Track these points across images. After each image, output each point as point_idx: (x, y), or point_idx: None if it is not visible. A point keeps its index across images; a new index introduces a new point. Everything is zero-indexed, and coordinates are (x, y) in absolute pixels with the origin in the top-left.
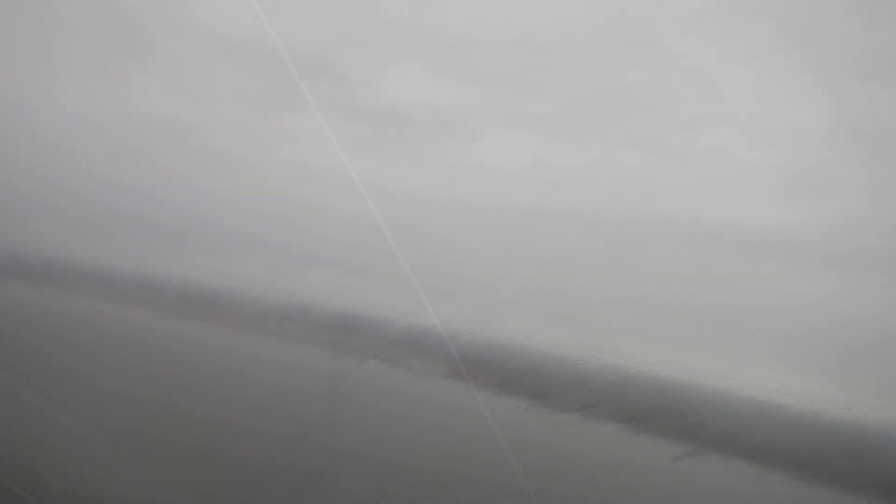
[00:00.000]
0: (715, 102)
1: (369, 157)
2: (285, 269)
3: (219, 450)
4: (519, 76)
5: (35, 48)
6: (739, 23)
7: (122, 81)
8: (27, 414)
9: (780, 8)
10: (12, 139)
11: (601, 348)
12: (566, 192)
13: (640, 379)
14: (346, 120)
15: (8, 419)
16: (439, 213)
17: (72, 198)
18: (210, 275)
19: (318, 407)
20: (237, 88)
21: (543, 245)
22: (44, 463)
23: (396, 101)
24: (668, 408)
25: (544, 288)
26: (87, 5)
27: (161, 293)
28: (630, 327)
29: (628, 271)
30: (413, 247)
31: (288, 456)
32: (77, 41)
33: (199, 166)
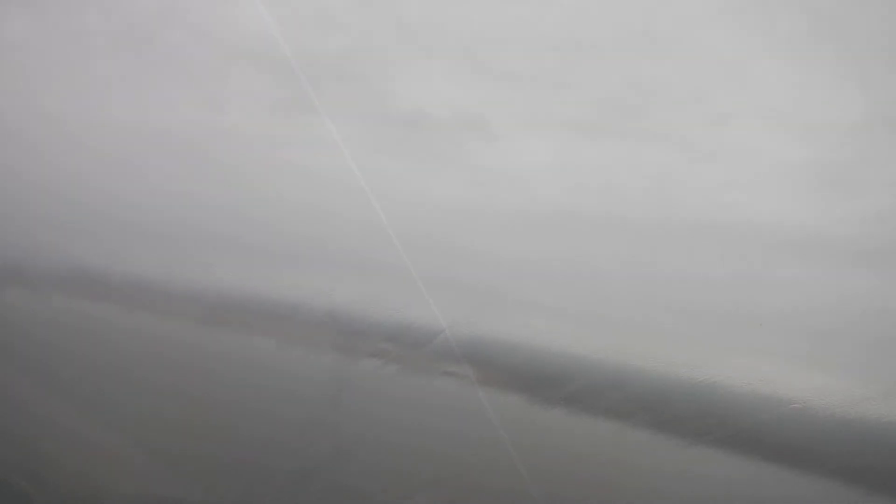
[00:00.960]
0: (745, 97)
1: (392, 162)
2: (312, 276)
3: (223, 446)
4: (543, 76)
5: (60, 60)
6: (769, 14)
7: (147, 91)
8: (30, 410)
9: None
10: (41, 148)
11: (635, 353)
12: (594, 194)
13: (674, 383)
14: (368, 125)
15: (11, 415)
16: (465, 218)
17: (102, 205)
18: (237, 282)
19: (345, 414)
20: (261, 95)
21: (572, 248)
22: (47, 459)
23: (419, 105)
24: (705, 412)
25: (574, 292)
26: (110, 17)
27: (190, 301)
28: (663, 330)
29: (660, 273)
30: (439, 252)
31: (292, 453)
32: (101, 52)
33: (224, 174)
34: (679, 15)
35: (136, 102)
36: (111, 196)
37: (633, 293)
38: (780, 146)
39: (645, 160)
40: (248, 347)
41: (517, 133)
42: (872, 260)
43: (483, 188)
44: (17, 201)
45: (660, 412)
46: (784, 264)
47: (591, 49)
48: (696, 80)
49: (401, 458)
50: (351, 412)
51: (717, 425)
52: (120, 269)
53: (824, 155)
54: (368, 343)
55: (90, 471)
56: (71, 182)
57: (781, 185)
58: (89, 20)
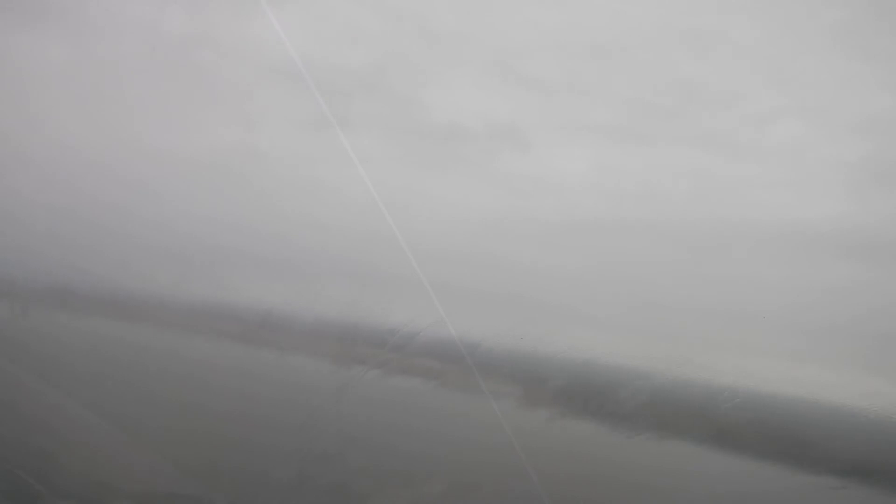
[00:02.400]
0: (787, 94)
1: (425, 175)
2: (347, 293)
3: (229, 444)
4: (575, 81)
5: (95, 84)
6: (810, 6)
7: (176, 112)
8: (41, 412)
9: None
10: (79, 174)
11: (681, 362)
12: (633, 199)
13: (724, 393)
14: (399, 138)
15: (22, 416)
16: (502, 229)
17: (146, 229)
18: (271, 301)
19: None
20: (291, 112)
21: (614, 256)
22: (56, 459)
23: (450, 116)
24: (762, 424)
25: (616, 300)
26: (138, 38)
27: (229, 320)
28: (709, 337)
29: (706, 278)
30: (477, 265)
31: (300, 459)
32: (130, 74)
33: (255, 192)
34: (714, 11)
35: (165, 123)
36: (141, 218)
37: (676, 299)
38: (825, 143)
39: (684, 163)
40: (283, 366)
41: (551, 140)
42: None
43: (519, 198)
44: (51, 226)
45: (709, 424)
46: (835, 267)
47: (624, 52)
48: (735, 79)
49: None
50: (406, 432)
51: (777, 438)
52: (152, 290)
53: (872, 151)
54: (407, 359)
55: (98, 471)
56: (100, 205)
57: (829, 184)
58: (118, 42)
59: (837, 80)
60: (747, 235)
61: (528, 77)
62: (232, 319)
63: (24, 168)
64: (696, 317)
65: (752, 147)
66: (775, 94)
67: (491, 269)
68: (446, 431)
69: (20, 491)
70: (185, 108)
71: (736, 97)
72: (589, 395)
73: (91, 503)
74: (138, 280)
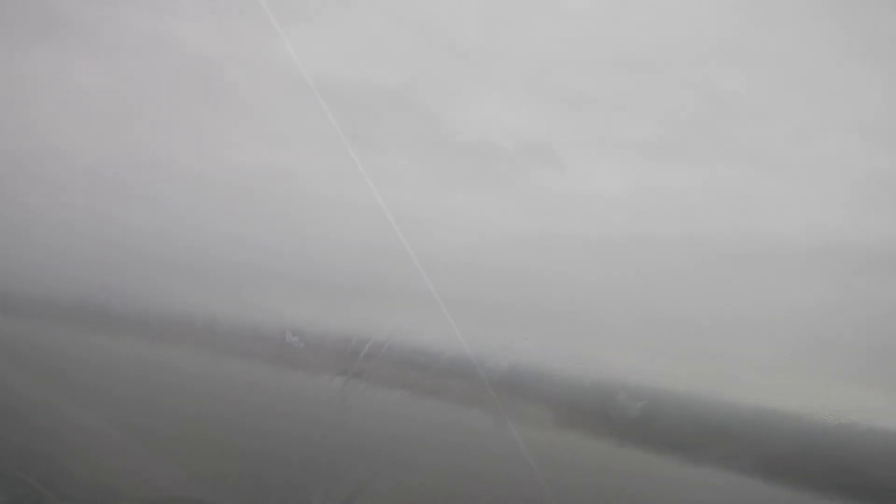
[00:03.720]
0: (829, 108)
1: (456, 194)
2: (377, 314)
3: (236, 449)
4: (609, 96)
5: (120, 103)
6: (853, 16)
7: (205, 129)
8: (44, 409)
9: None
10: (106, 192)
11: (721, 386)
12: (671, 217)
13: (765, 419)
14: (431, 155)
15: (27, 419)
16: (535, 248)
17: (174, 249)
18: (305, 316)
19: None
20: (320, 130)
21: (650, 274)
22: (61, 462)
23: (481, 133)
24: (807, 452)
25: (656, 320)
26: (168, 55)
27: (255, 340)
28: (750, 361)
29: (747, 298)
30: (512, 284)
31: (308, 468)
32: (162, 94)
33: (284, 210)
34: (753, 23)
35: (191, 142)
36: (165, 237)
37: (714, 322)
38: (871, 159)
39: (723, 180)
40: (315, 386)
41: (585, 158)
42: None
43: (551, 215)
44: (75, 245)
45: (759, 452)
46: (884, 288)
47: (660, 65)
48: (775, 92)
49: None
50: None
51: (826, 467)
52: (176, 308)
53: None
54: (439, 380)
55: (103, 474)
56: (128, 224)
57: (876, 202)
58: (143, 60)
59: (882, 93)
60: (785, 254)
61: (559, 92)
62: (254, 337)
63: (48, 188)
64: (731, 337)
65: (791, 163)
66: (816, 108)
67: (522, 287)
68: (469, 452)
69: (25, 495)
70: (211, 127)
71: (775, 112)
72: (616, 414)
73: None
74: (162, 298)
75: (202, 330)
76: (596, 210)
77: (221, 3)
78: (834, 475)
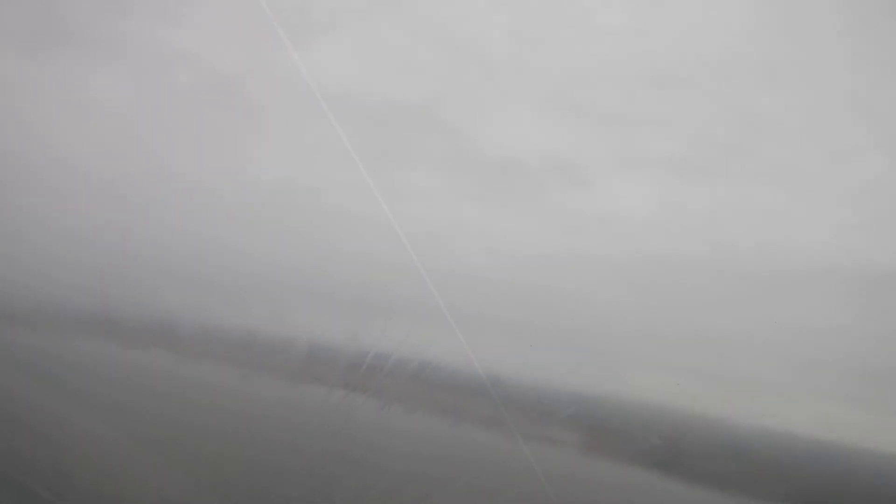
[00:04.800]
0: (866, 129)
1: (481, 210)
2: (402, 328)
3: (241, 458)
4: (638, 114)
5: (150, 117)
6: (891, 38)
7: (231, 143)
8: (49, 417)
9: None
10: (127, 206)
11: (746, 411)
12: (698, 240)
13: (798, 447)
14: (456, 171)
15: (36, 428)
16: (558, 266)
17: (193, 263)
18: (330, 331)
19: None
20: (346, 145)
21: (677, 297)
22: (67, 470)
23: (507, 150)
24: (826, 476)
25: (681, 343)
26: (194, 70)
27: (279, 354)
28: (781, 387)
29: (777, 324)
30: (534, 303)
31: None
32: (188, 110)
33: (310, 225)
34: (789, 39)
35: (216, 157)
36: (189, 252)
37: (744, 347)
38: None
39: (755, 202)
40: (327, 399)
41: (612, 176)
42: None
43: (575, 234)
44: (99, 259)
45: (782, 476)
46: None
47: (691, 82)
48: (811, 111)
49: None
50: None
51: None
52: (199, 320)
53: None
54: (461, 398)
55: (107, 481)
56: (160, 235)
57: None
58: (170, 76)
59: None
60: (822, 280)
61: (585, 109)
62: (276, 351)
63: (68, 201)
64: (757, 360)
65: (825, 185)
66: (853, 129)
67: (544, 305)
68: (487, 469)
69: (30, 502)
70: (236, 142)
71: (809, 132)
72: (638, 435)
73: None
74: (184, 311)
75: (217, 342)
76: (620, 228)
77: (246, 19)
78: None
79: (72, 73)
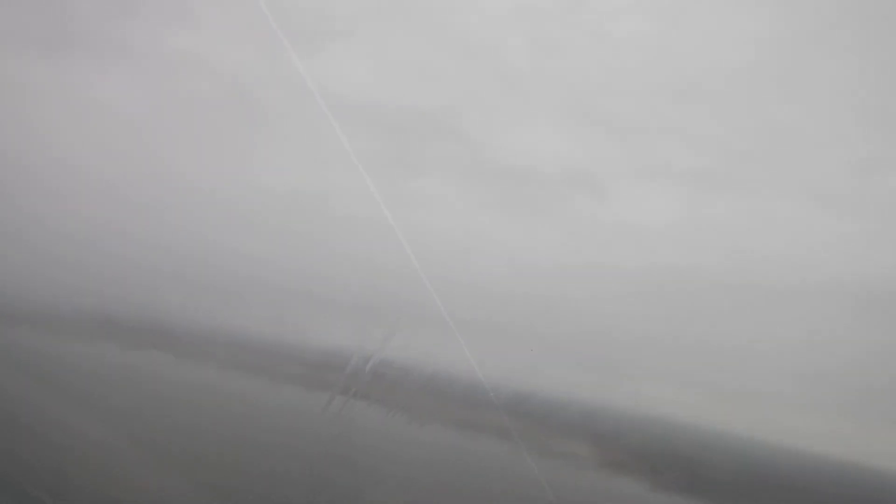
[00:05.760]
0: (890, 141)
1: (498, 219)
2: (419, 333)
3: (240, 463)
4: (658, 125)
5: (162, 122)
6: None
7: (247, 150)
8: (49, 422)
9: None
10: (143, 211)
11: (764, 424)
12: (717, 252)
13: (819, 465)
14: (472, 180)
15: (35, 433)
16: (574, 277)
17: (204, 268)
18: (339, 339)
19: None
20: (361, 153)
21: (695, 308)
22: (65, 475)
23: (525, 159)
24: (855, 498)
25: (692, 360)
26: (211, 77)
27: (290, 360)
28: (802, 404)
29: (795, 342)
30: (552, 313)
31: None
32: (206, 116)
33: (326, 232)
34: (810, 51)
35: (233, 164)
36: (203, 257)
37: (760, 363)
38: None
39: (775, 214)
40: (379, 418)
41: (630, 187)
42: None
43: (593, 245)
44: (110, 264)
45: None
46: None
47: (710, 93)
48: (831, 123)
49: None
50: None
51: None
52: (212, 325)
53: None
54: (479, 413)
55: (107, 483)
56: (168, 240)
57: None
58: (188, 82)
59: None
60: (844, 296)
61: (604, 119)
62: (292, 359)
63: (78, 206)
64: (775, 376)
65: (848, 198)
66: (878, 141)
67: (559, 318)
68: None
69: None
70: (253, 149)
71: (833, 144)
72: (652, 450)
73: None
74: (200, 316)
75: (225, 347)
76: (636, 239)
77: (262, 26)
78: None
79: (81, 76)
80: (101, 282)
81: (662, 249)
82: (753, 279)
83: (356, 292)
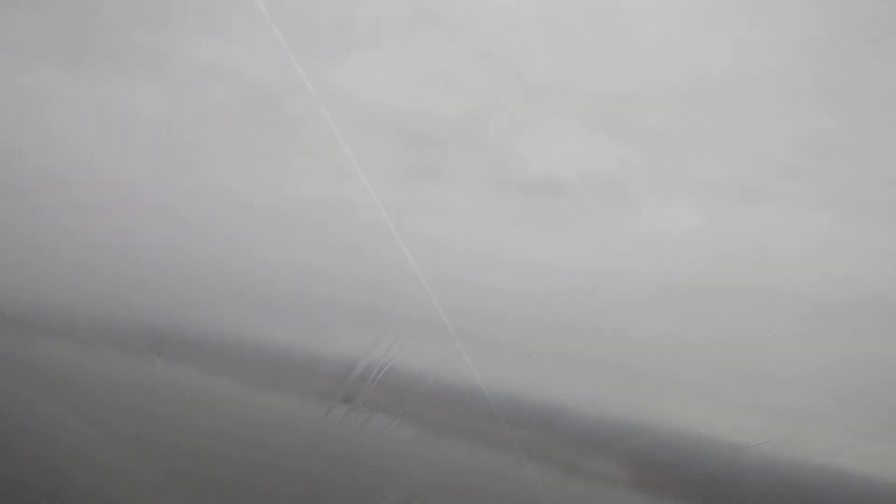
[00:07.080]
0: None
1: (521, 230)
2: (443, 348)
3: (244, 471)
4: (686, 134)
5: (184, 131)
6: None
7: (266, 161)
8: (51, 433)
9: None
10: (162, 220)
11: (803, 445)
12: (746, 266)
13: (846, 480)
14: (494, 191)
15: (34, 437)
16: (599, 291)
17: (234, 279)
18: (365, 352)
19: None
20: (382, 163)
21: (719, 327)
22: (65, 479)
23: (548, 169)
24: None
25: (722, 376)
26: (230, 86)
27: (312, 374)
28: (834, 422)
29: (828, 358)
30: (576, 328)
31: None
32: (226, 126)
33: (345, 244)
34: (845, 58)
35: (255, 174)
36: (228, 268)
37: (793, 379)
38: None
39: (808, 226)
40: (395, 432)
41: (656, 198)
42: None
43: (619, 259)
44: (139, 275)
45: None
46: None
47: (742, 102)
48: (868, 134)
49: None
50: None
51: None
52: (239, 337)
53: None
54: (504, 431)
55: (109, 489)
56: (187, 254)
57: None
58: (207, 92)
59: None
60: (879, 312)
61: (632, 128)
62: (316, 371)
63: (108, 217)
64: (814, 395)
65: (886, 210)
66: None
67: (584, 332)
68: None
69: None
70: (274, 159)
71: (869, 155)
72: (700, 477)
73: None
74: (227, 328)
75: (244, 357)
76: (667, 254)
77: (282, 33)
78: None
79: (108, 87)
80: (129, 291)
81: (691, 262)
82: (782, 293)
83: (374, 301)
